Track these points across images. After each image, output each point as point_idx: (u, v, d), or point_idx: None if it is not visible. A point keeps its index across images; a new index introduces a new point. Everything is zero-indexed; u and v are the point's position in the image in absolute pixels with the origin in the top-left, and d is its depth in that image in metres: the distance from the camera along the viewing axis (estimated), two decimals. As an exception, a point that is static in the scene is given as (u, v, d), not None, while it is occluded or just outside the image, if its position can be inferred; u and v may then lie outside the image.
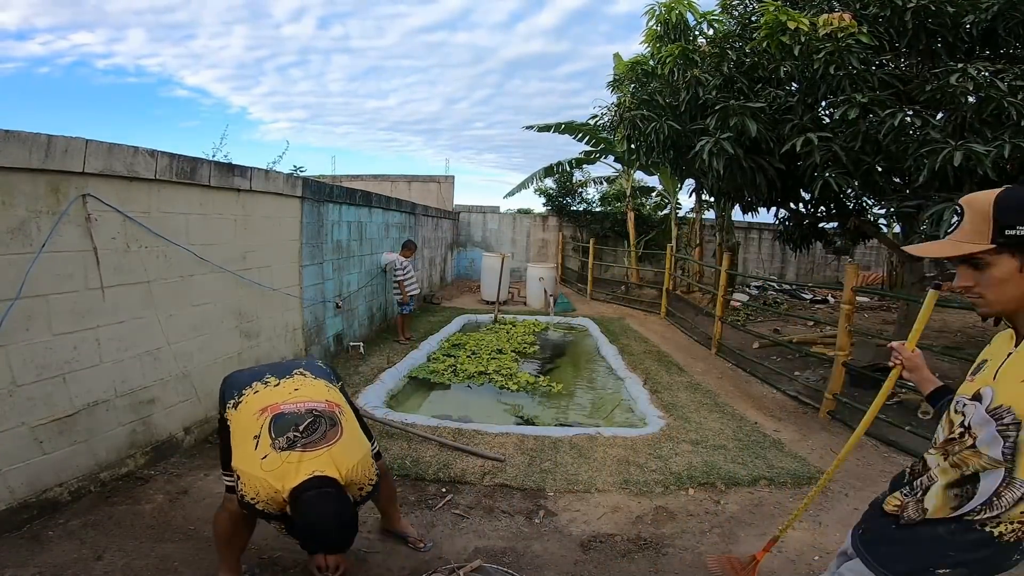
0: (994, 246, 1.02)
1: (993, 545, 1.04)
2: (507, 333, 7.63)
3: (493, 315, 8.68)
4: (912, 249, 1.17)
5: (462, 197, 27.00)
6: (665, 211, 13.83)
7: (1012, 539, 1.03)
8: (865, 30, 4.07)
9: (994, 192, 1.04)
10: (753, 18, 5.30)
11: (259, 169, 4.13)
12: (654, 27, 5.91)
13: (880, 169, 4.42)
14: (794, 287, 12.44)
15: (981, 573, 1.07)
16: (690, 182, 9.39)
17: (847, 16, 4.05)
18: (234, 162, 4.13)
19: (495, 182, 79.28)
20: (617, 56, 11.43)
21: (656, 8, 5.81)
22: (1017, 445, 0.98)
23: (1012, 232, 1.00)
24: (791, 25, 4.14)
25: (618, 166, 13.10)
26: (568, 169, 13.94)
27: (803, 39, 4.17)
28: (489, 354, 6.30)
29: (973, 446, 1.05)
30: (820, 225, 6.26)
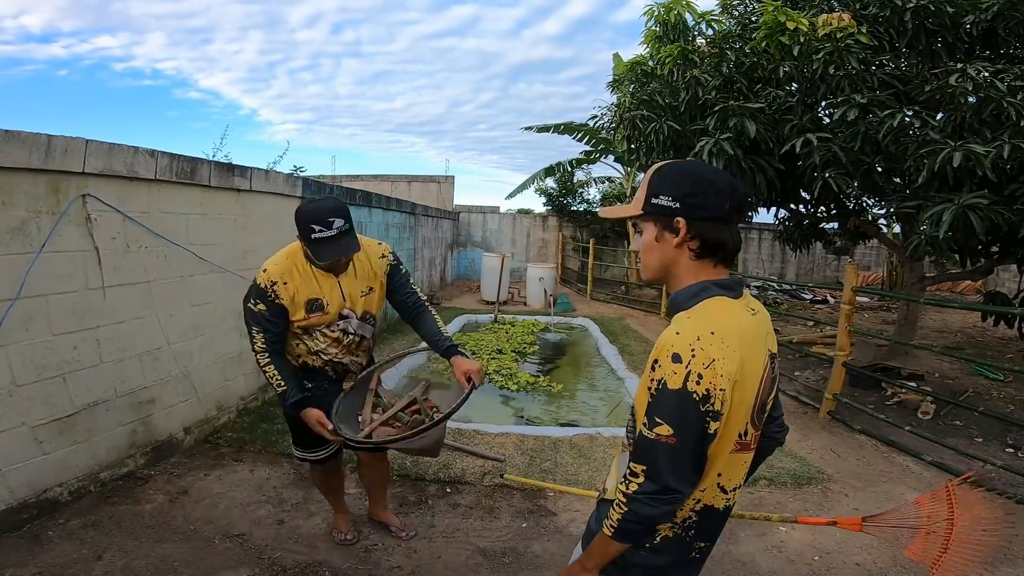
0: (643, 212, 1.07)
1: None
2: (507, 333, 7.63)
3: (493, 315, 8.68)
4: (603, 211, 1.22)
5: (465, 197, 27.12)
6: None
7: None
8: (864, 30, 4.07)
9: (662, 163, 1.09)
10: (752, 18, 5.31)
11: (259, 169, 4.13)
12: (653, 28, 5.92)
13: (880, 169, 4.42)
14: (794, 287, 12.44)
15: None
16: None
17: (846, 16, 4.06)
18: (234, 162, 4.14)
19: (497, 183, 79.44)
20: (617, 56, 11.42)
21: (655, 9, 5.81)
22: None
23: (656, 200, 1.04)
24: (790, 25, 4.15)
25: (618, 166, 13.09)
26: (569, 169, 13.93)
27: (802, 39, 4.18)
28: (489, 354, 6.30)
29: None
30: (820, 225, 6.27)
